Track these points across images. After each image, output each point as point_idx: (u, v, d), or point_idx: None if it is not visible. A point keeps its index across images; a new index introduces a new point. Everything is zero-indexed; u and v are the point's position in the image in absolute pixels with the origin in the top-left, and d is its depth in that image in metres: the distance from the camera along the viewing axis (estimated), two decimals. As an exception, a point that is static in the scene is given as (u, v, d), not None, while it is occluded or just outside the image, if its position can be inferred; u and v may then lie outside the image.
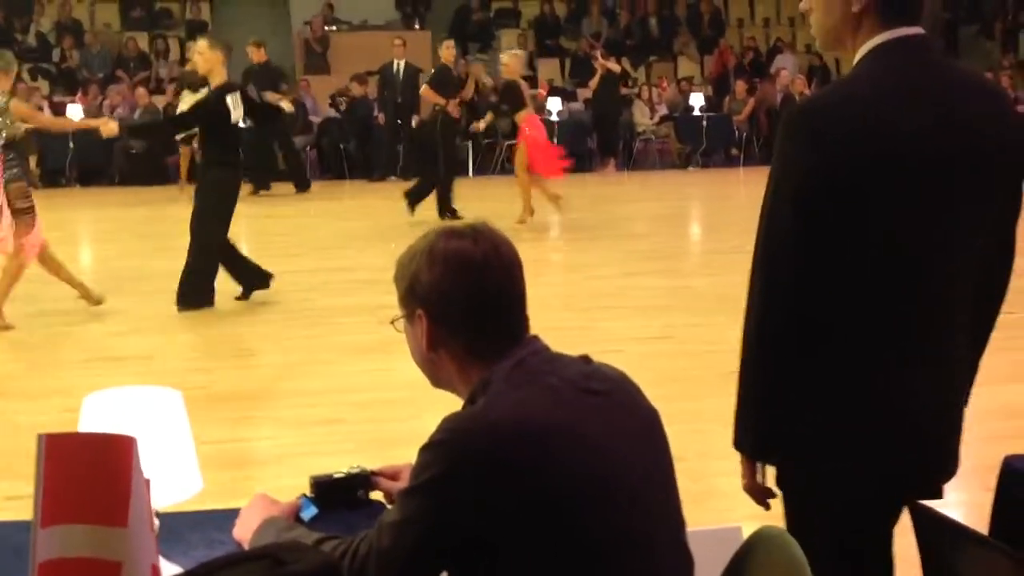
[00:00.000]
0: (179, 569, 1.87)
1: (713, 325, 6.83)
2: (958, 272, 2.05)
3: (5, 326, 7.17)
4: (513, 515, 1.56)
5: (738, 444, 2.14)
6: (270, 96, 13.47)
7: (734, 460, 2.20)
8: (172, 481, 1.87)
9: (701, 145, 17.36)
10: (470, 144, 16.13)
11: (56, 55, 18.16)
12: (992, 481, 2.37)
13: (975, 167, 2.00)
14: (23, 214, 7.28)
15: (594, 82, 16.76)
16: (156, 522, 1.58)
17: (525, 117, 11.18)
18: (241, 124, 8.08)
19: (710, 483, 4.14)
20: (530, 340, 1.76)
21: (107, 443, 1.04)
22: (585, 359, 1.78)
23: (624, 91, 17.50)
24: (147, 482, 1.15)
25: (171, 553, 1.94)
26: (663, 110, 17.87)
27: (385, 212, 10.95)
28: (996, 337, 2.23)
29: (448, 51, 12.16)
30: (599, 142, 17.13)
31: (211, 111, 7.71)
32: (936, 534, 2.04)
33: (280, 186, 14.55)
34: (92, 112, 16.03)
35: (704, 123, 17.20)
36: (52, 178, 15.58)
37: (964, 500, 3.76)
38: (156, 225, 12.12)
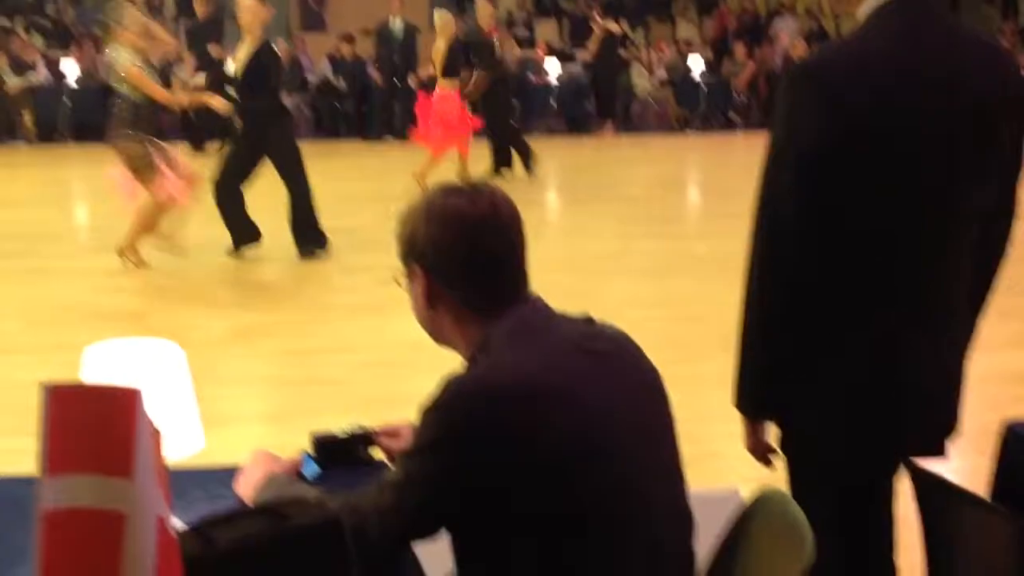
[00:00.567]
0: (182, 524, 1.87)
1: (712, 289, 6.83)
2: (959, 232, 2.04)
3: (139, 261, 7.60)
4: (513, 475, 1.56)
5: (739, 404, 2.14)
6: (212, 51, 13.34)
7: (733, 423, 2.21)
8: (174, 436, 1.87)
9: (699, 109, 17.29)
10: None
11: (50, 10, 18.00)
12: (990, 446, 2.37)
13: (978, 127, 1.98)
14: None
15: (593, 44, 16.66)
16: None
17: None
18: None
19: (709, 446, 4.15)
20: (532, 299, 1.76)
21: (111, 394, 1.03)
22: (587, 319, 1.78)
23: (623, 53, 17.40)
24: (158, 434, 1.14)
25: (174, 509, 1.94)
26: (662, 73, 17.78)
27: (382, 172, 10.92)
28: (996, 303, 2.23)
29: (488, 15, 11.95)
30: (597, 105, 17.05)
31: (271, 63, 7.91)
32: (935, 496, 2.05)
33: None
34: (87, 67, 15.93)
35: (703, 87, 17.11)
36: (47, 134, 15.50)
37: (962, 465, 3.77)
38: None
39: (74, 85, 15.40)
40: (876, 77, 1.94)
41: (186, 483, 2.07)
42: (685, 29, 19.69)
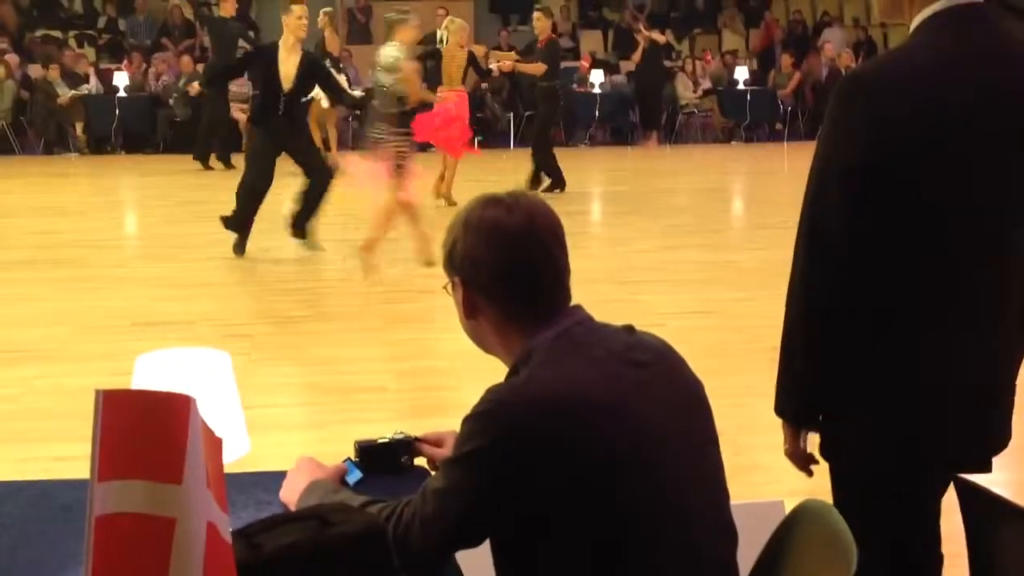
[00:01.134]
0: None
1: (755, 299, 6.80)
2: (1011, 245, 2.02)
3: (371, 267, 7.53)
4: (555, 486, 1.56)
5: (780, 410, 2.13)
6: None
7: (777, 434, 2.19)
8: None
9: (745, 119, 17.20)
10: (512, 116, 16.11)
11: (102, 22, 18.27)
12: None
13: None
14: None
15: (637, 55, 16.64)
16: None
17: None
18: None
19: (752, 457, 4.13)
20: (573, 310, 1.76)
21: (164, 400, 1.05)
22: (629, 329, 1.78)
23: (667, 64, 17.36)
24: (218, 441, 1.16)
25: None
26: (706, 83, 17.72)
27: (425, 183, 10.94)
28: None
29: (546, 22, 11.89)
30: (641, 115, 17.02)
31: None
32: (982, 510, 2.03)
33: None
34: (137, 80, 16.14)
35: (748, 97, 17.03)
36: (98, 145, 15.73)
37: (1010, 479, 3.72)
38: (199, 192, 12.21)
39: (123, 94, 15.61)
40: (925, 91, 1.93)
41: (231, 489, 2.09)
42: (731, 40, 19.61)
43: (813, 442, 2.18)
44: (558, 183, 11.52)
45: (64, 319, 6.58)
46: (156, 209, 11.18)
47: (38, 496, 2.11)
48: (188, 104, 15.03)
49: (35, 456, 4.31)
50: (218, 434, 1.10)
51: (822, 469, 2.20)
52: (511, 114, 16.23)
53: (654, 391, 1.67)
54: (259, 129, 8.49)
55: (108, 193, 12.72)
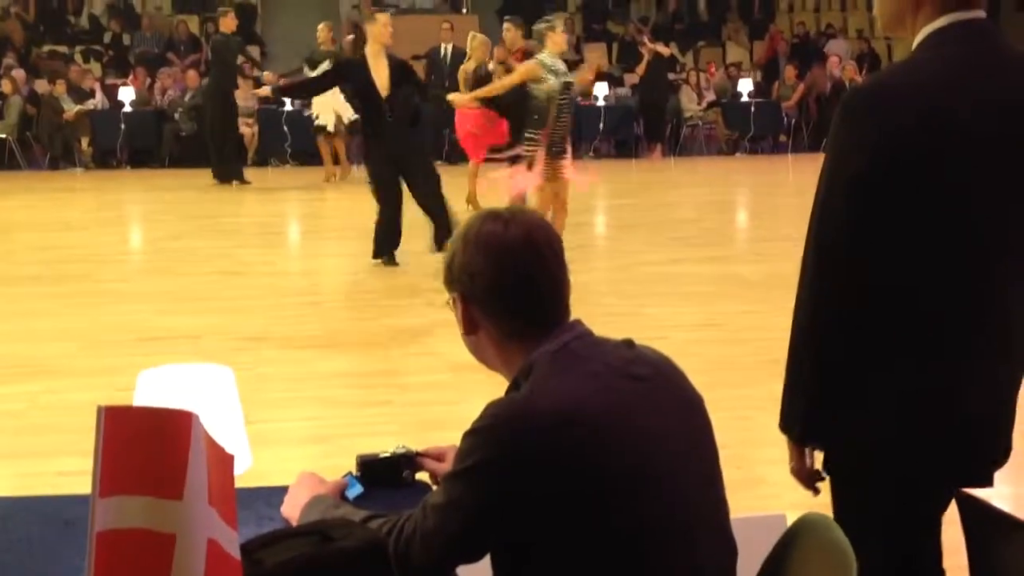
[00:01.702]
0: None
1: (760, 312, 6.80)
2: (1016, 260, 2.03)
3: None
4: (554, 501, 1.57)
5: (785, 427, 2.13)
6: None
7: (780, 448, 2.20)
8: (222, 458, 1.90)
9: (749, 131, 17.23)
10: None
11: (108, 38, 18.36)
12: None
13: None
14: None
15: (641, 67, 16.68)
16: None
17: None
18: None
19: (756, 471, 4.13)
20: (573, 324, 1.76)
21: (165, 417, 1.06)
22: (628, 343, 1.78)
23: (672, 76, 17.39)
24: (228, 458, 1.17)
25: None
26: (711, 96, 17.75)
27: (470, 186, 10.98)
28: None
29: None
30: (646, 127, 17.05)
31: None
32: (982, 522, 2.03)
33: (317, 170, 14.56)
34: (143, 95, 16.21)
35: (752, 109, 17.06)
36: (103, 159, 15.79)
37: (1011, 492, 3.72)
38: (204, 207, 12.26)
39: (129, 109, 15.68)
40: (928, 101, 1.94)
41: (234, 504, 2.10)
42: (735, 52, 19.66)
43: (818, 459, 2.18)
44: None
45: (70, 334, 6.59)
46: (161, 224, 11.22)
47: (43, 511, 2.12)
48: (193, 119, 15.07)
49: (40, 471, 4.32)
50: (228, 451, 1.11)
51: (825, 483, 2.20)
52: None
53: (654, 405, 1.68)
54: (374, 144, 8.45)
55: (113, 208, 12.76)
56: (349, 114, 13.54)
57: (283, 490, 2.10)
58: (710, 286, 7.88)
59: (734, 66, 18.51)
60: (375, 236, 8.40)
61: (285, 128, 15.51)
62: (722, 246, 9.76)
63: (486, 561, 1.69)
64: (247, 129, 15.68)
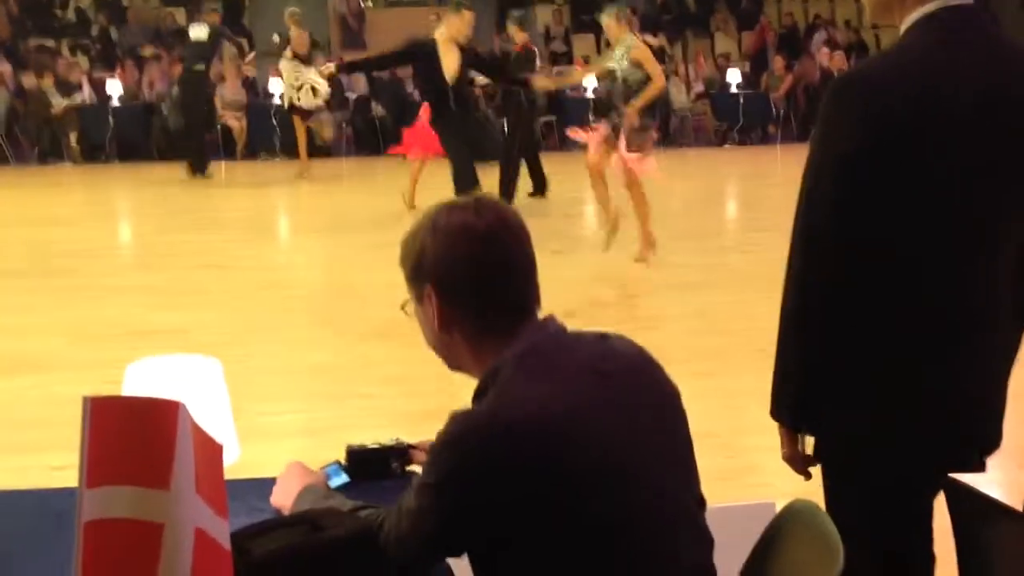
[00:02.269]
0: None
1: (749, 302, 6.81)
2: (1005, 246, 2.03)
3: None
4: (523, 504, 1.55)
5: (776, 414, 2.14)
6: None
7: (771, 436, 2.20)
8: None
9: (738, 122, 17.24)
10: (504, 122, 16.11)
11: (95, 31, 18.28)
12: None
13: (1020, 142, 1.98)
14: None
15: (630, 58, 16.64)
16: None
17: None
18: None
19: (746, 459, 4.14)
20: (544, 322, 1.73)
21: (151, 407, 1.06)
22: (601, 337, 1.74)
23: (660, 67, 17.36)
24: (219, 448, 1.16)
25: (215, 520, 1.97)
26: (699, 87, 17.75)
27: (419, 188, 10.98)
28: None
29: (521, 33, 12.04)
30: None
31: None
32: (969, 508, 2.04)
33: (317, 162, 14.56)
34: (131, 89, 16.15)
35: (741, 100, 17.06)
36: (92, 154, 15.73)
37: (1000, 478, 3.74)
38: (193, 200, 12.23)
39: (117, 103, 15.62)
40: (913, 85, 1.94)
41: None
42: (723, 43, 19.65)
43: (810, 444, 2.18)
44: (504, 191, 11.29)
45: (58, 328, 6.58)
46: (150, 218, 11.19)
47: (35, 505, 2.12)
48: (181, 113, 15.00)
49: (31, 465, 4.32)
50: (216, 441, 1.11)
51: (816, 470, 2.20)
52: (504, 119, 16.22)
53: (624, 403, 1.65)
54: (443, 127, 8.62)
55: (102, 202, 12.72)
56: (324, 89, 13.39)
57: (273, 481, 2.10)
58: (699, 276, 7.89)
59: (723, 57, 18.51)
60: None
61: (274, 121, 15.46)
62: (711, 236, 9.78)
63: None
64: (235, 123, 15.64)
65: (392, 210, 10.60)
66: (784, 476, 2.26)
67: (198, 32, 13.07)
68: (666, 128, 17.36)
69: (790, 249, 2.05)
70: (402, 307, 1.80)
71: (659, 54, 17.21)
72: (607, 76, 8.26)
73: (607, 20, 8.32)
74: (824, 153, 1.99)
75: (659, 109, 16.99)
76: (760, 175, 14.34)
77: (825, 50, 17.49)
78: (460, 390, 2.02)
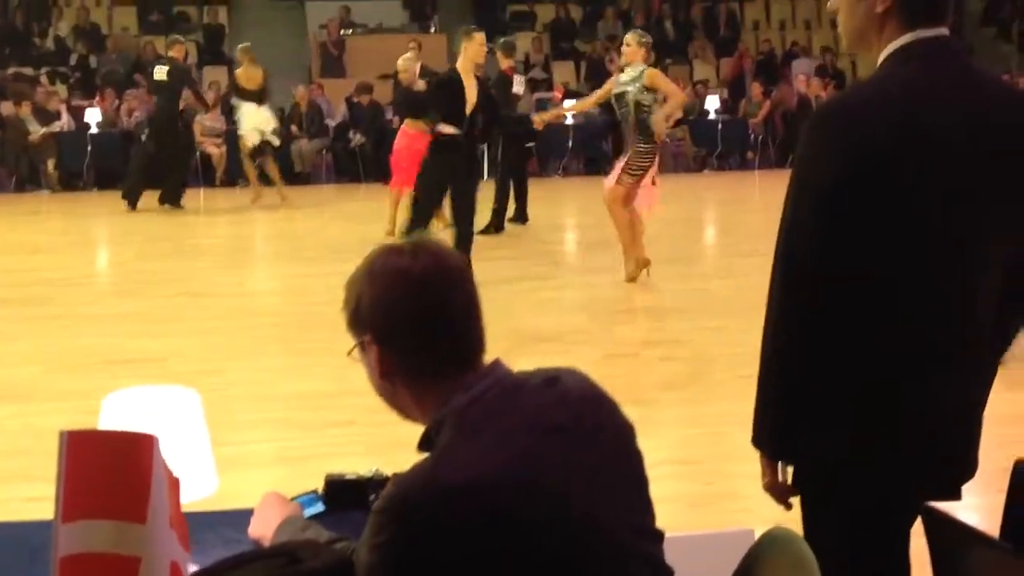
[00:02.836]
0: (196, 567, 1.89)
1: (729, 328, 6.82)
2: (984, 275, 2.04)
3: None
4: (469, 563, 1.52)
5: (757, 442, 2.14)
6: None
7: (752, 463, 2.20)
8: (189, 480, 1.89)
9: (716, 148, 17.33)
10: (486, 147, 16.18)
11: (74, 59, 18.25)
12: (1003, 484, 2.36)
13: (1001, 170, 2.00)
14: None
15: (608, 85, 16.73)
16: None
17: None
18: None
19: (727, 485, 4.13)
20: (490, 368, 1.68)
21: (128, 440, 1.06)
22: (551, 381, 1.69)
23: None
24: (176, 481, 1.16)
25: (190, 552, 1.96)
26: (678, 113, 17.84)
27: (399, 215, 10.98)
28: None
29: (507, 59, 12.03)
30: (614, 145, 17.09)
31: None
32: (947, 535, 2.04)
33: (297, 190, 14.56)
34: (109, 117, 16.12)
35: (719, 126, 17.17)
36: (70, 181, 15.68)
37: (977, 503, 3.75)
38: (171, 228, 12.19)
39: (95, 131, 15.58)
40: (893, 115, 1.96)
41: (200, 527, 2.09)
42: (702, 70, 19.79)
43: (791, 473, 2.19)
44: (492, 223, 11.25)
45: (36, 357, 6.53)
46: (128, 246, 11.15)
47: (9, 538, 2.10)
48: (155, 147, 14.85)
49: (6, 497, 4.27)
50: (180, 473, 1.11)
51: (797, 498, 2.21)
52: (484, 145, 16.27)
53: (573, 455, 1.61)
54: (439, 158, 8.47)
55: (80, 230, 12.67)
56: (270, 128, 13.44)
57: (249, 512, 2.09)
58: (679, 302, 7.91)
59: (701, 84, 18.63)
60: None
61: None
62: (691, 262, 9.81)
63: None
64: (215, 149, 15.62)
65: (372, 238, 10.57)
66: (764, 503, 2.26)
67: (159, 74, 13.05)
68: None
69: (771, 278, 2.06)
70: (348, 353, 1.75)
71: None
72: (619, 99, 8.23)
73: (632, 41, 8.32)
74: (804, 183, 2.01)
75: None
76: (739, 200, 14.42)
77: (802, 77, 17.63)
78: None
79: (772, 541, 1.79)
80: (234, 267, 9.68)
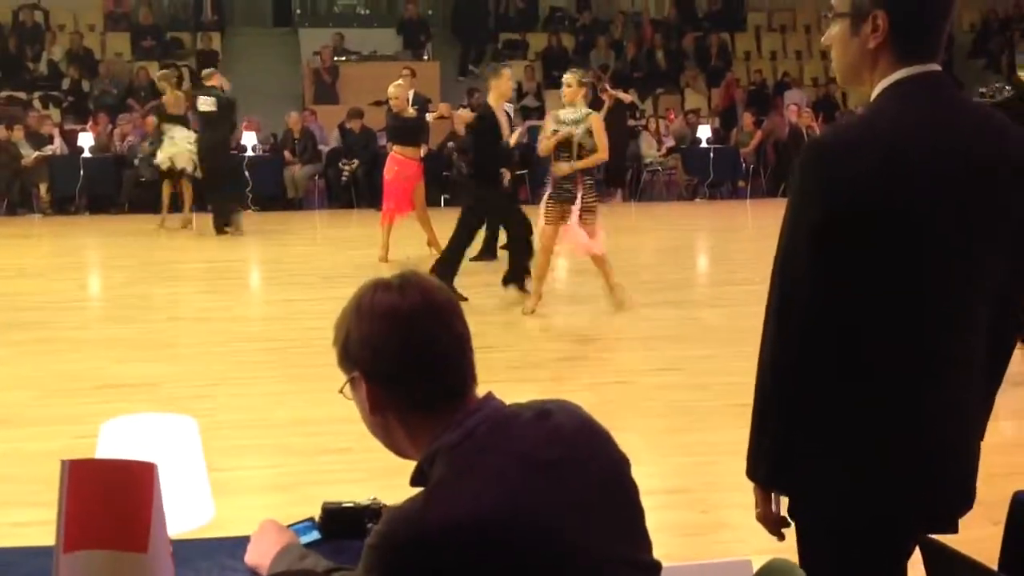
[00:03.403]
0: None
1: (722, 357, 6.83)
2: (976, 308, 2.05)
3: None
4: None
5: (751, 473, 2.14)
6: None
7: (745, 493, 2.20)
8: (185, 508, 1.88)
9: (708, 177, 17.40)
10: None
11: (67, 84, 18.27)
12: (1001, 515, 2.36)
13: (993, 206, 2.02)
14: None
15: (602, 113, 16.80)
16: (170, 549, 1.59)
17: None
18: None
19: (720, 515, 4.12)
20: (482, 402, 1.68)
21: (129, 469, 1.05)
22: (543, 414, 1.68)
23: (631, 123, 17.55)
24: (163, 507, 1.15)
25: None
26: (670, 142, 17.93)
27: (392, 241, 10.99)
28: (1007, 372, 2.24)
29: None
30: (606, 173, 17.12)
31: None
32: (946, 568, 2.04)
33: (290, 215, 14.56)
34: (102, 141, 16.11)
35: (711, 155, 17.24)
36: (62, 205, 15.66)
37: (974, 535, 3.74)
38: (163, 253, 12.18)
39: (88, 155, 15.58)
40: (885, 151, 1.97)
41: (196, 554, 2.08)
42: (694, 99, 19.89)
43: (785, 504, 2.18)
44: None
45: (26, 382, 6.50)
46: (119, 270, 11.13)
47: (-2, 565, 2.07)
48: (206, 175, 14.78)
49: (-5, 523, 4.24)
50: (174, 498, 1.10)
51: (791, 529, 2.20)
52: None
53: (566, 489, 1.61)
54: (488, 187, 8.90)
55: (71, 254, 12.64)
56: (190, 156, 13.49)
57: (245, 540, 2.08)
58: (672, 330, 7.91)
59: (693, 113, 18.71)
60: (513, 262, 8.91)
61: (246, 173, 15.46)
62: (683, 290, 9.82)
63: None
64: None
65: (365, 263, 10.59)
66: (759, 534, 2.26)
67: (207, 105, 13.07)
68: (637, 183, 17.51)
69: (766, 310, 2.07)
70: (340, 391, 1.75)
71: (631, 109, 17.44)
72: (565, 141, 8.16)
73: (572, 81, 8.35)
74: (797, 219, 2.02)
75: (631, 163, 17.24)
76: (731, 229, 14.45)
77: (793, 107, 17.72)
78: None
79: (771, 572, 1.78)
80: (226, 292, 9.67)
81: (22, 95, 17.55)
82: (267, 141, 16.76)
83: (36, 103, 17.51)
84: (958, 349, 2.05)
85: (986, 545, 2.42)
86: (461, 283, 8.24)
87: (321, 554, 1.96)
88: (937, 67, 2.08)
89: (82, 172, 15.46)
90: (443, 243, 11.28)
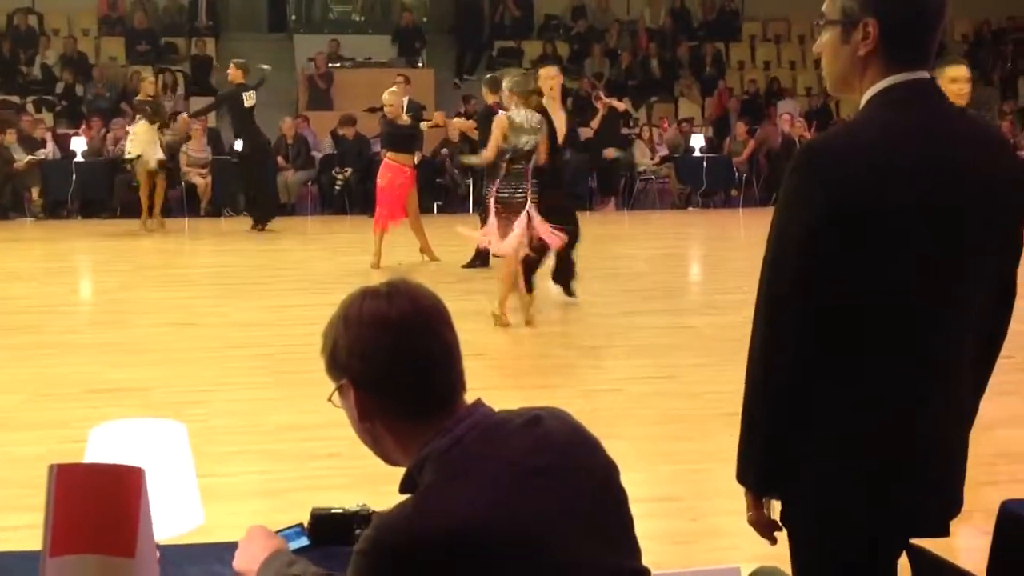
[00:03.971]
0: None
1: (714, 365, 6.83)
2: (963, 314, 2.06)
3: (505, 323, 7.92)
4: None
5: (741, 477, 2.14)
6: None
7: (736, 499, 2.20)
8: (174, 513, 1.87)
9: (701, 186, 17.42)
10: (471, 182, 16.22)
11: (60, 88, 18.25)
12: (989, 524, 2.37)
13: (980, 212, 2.03)
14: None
15: (596, 121, 16.82)
16: (157, 554, 1.58)
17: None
18: None
19: (710, 523, 4.12)
20: (471, 409, 1.68)
21: (117, 474, 1.05)
22: (533, 420, 1.68)
23: (625, 131, 17.58)
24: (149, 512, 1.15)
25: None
26: (663, 150, 17.96)
27: (385, 248, 10.98)
28: (992, 381, 2.25)
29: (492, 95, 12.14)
30: (599, 181, 17.19)
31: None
32: (931, 573, 2.05)
33: (283, 221, 14.55)
34: (95, 145, 16.09)
35: (704, 164, 17.28)
36: (54, 210, 15.62)
37: (961, 544, 3.75)
38: (156, 257, 12.16)
39: (81, 159, 15.56)
40: (874, 157, 1.98)
41: (183, 559, 2.07)
42: (687, 108, 19.92)
43: (776, 508, 2.19)
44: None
45: (16, 386, 6.49)
46: (111, 274, 11.11)
47: (-14, 568, 2.07)
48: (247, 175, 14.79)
49: (-16, 526, 4.23)
50: (166, 506, 1.10)
51: (782, 533, 2.20)
52: (471, 179, 16.32)
53: (555, 497, 1.61)
54: (551, 189, 8.91)
55: (63, 258, 12.62)
56: (160, 155, 13.66)
57: (233, 545, 2.07)
58: (664, 338, 7.92)
59: (686, 121, 18.74)
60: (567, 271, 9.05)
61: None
62: (675, 298, 9.83)
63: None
64: (200, 180, 15.61)
65: (358, 269, 10.59)
66: (749, 539, 2.26)
67: (252, 99, 13.34)
68: (630, 191, 17.53)
69: (755, 315, 2.07)
70: (329, 399, 1.75)
71: (625, 118, 17.46)
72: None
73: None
74: (786, 221, 2.03)
75: (623, 171, 17.26)
76: (723, 238, 14.48)
77: (786, 116, 17.77)
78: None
79: (759, 580, 1.78)
80: (218, 297, 9.64)
81: (15, 99, 17.53)
82: (261, 146, 16.73)
83: (29, 107, 17.49)
84: (949, 352, 2.06)
85: (974, 554, 2.43)
86: (454, 289, 8.25)
87: (310, 560, 1.95)
88: (927, 74, 2.09)
89: (74, 176, 15.43)
90: (436, 251, 11.36)
